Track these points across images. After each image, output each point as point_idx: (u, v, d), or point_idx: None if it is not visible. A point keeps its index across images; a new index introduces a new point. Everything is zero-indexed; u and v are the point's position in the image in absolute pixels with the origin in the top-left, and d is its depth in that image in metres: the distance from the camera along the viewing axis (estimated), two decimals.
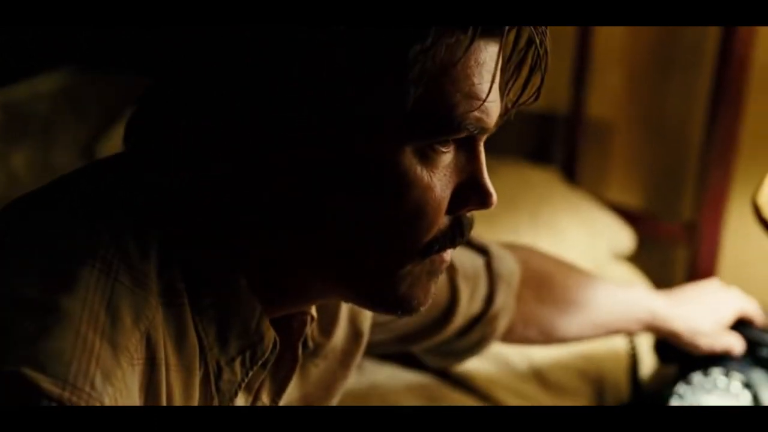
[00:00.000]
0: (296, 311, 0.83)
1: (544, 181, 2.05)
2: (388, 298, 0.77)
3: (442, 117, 0.70)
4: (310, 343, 0.90)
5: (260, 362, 0.78)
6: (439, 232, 0.75)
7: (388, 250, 0.74)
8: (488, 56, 0.72)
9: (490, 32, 0.72)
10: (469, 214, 0.78)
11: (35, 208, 0.75)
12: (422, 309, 0.79)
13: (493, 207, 0.78)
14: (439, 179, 0.73)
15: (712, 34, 1.91)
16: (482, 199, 0.77)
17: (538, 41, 0.76)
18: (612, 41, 2.07)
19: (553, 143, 2.24)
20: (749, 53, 1.82)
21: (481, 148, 0.77)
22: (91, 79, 2.35)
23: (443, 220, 0.75)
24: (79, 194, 0.76)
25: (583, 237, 1.92)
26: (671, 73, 2.04)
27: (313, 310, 0.86)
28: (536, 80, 0.78)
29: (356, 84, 0.68)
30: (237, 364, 0.77)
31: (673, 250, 2.14)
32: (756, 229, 1.29)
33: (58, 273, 0.68)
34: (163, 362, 0.71)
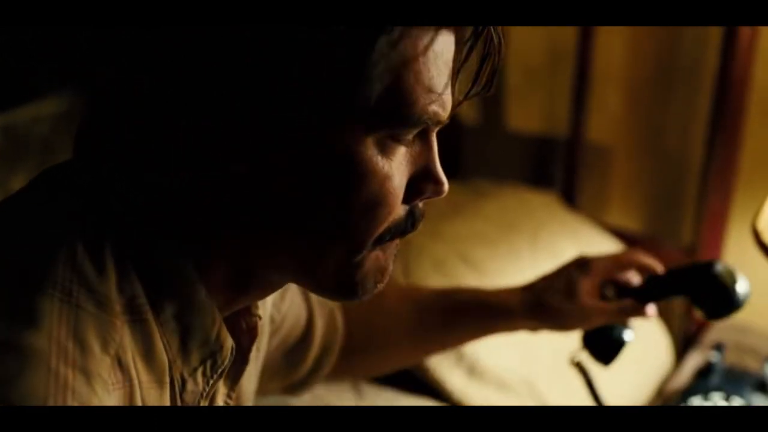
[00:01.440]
0: (247, 305, 0.84)
1: (544, 205, 2.06)
2: (344, 284, 0.78)
3: (404, 110, 0.71)
4: (261, 344, 0.92)
5: (220, 370, 0.79)
6: (393, 221, 0.76)
7: (346, 239, 0.75)
8: (444, 46, 0.73)
9: (451, 27, 0.72)
10: (421, 205, 0.79)
11: None
12: (379, 288, 0.80)
13: (444, 195, 0.79)
14: (396, 169, 0.74)
15: (710, 57, 1.92)
16: (436, 188, 0.78)
17: (493, 33, 0.74)
18: (611, 65, 2.08)
19: (553, 167, 2.25)
20: (748, 77, 1.83)
21: (434, 138, 0.77)
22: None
23: (399, 210, 0.76)
24: (30, 207, 0.75)
25: None
26: (670, 97, 2.05)
27: (260, 309, 0.87)
28: (487, 69, 0.76)
29: (322, 78, 0.68)
30: (199, 374, 0.77)
31: None
32: (756, 253, 1.29)
33: (20, 309, 0.67)
34: (136, 382, 0.71)
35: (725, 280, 1.13)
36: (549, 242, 1.90)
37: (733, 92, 1.83)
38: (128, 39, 0.71)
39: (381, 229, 0.75)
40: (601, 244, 2.01)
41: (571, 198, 2.16)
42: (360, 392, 1.57)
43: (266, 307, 0.97)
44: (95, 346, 0.68)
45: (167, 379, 0.75)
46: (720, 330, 1.99)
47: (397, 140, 0.74)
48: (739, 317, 2.02)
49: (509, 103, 2.23)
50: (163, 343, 0.74)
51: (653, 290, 1.16)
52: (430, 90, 0.72)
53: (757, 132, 1.91)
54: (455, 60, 0.75)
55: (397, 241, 0.80)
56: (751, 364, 1.83)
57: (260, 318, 0.87)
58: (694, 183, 2.00)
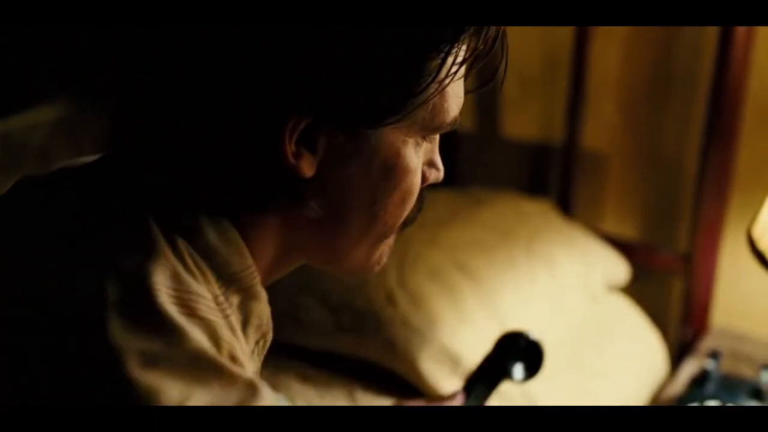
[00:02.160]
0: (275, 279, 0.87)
1: (540, 212, 2.06)
2: (364, 265, 0.85)
3: (440, 120, 0.79)
4: None
5: (265, 350, 0.82)
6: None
7: (382, 227, 0.81)
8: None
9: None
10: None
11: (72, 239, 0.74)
12: (378, 269, 0.87)
13: (440, 180, 0.86)
14: (420, 164, 0.81)
15: (705, 64, 1.93)
16: (437, 174, 0.85)
17: (493, 30, 0.79)
18: (606, 73, 2.08)
19: (549, 174, 2.25)
20: (743, 84, 1.84)
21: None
22: (86, 108, 2.36)
23: None
24: (105, 220, 0.75)
25: (578, 268, 1.93)
26: (666, 105, 2.05)
27: None
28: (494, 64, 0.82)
29: (383, 88, 0.73)
30: (255, 356, 0.80)
31: (669, 281, 2.14)
32: (750, 260, 1.30)
33: (154, 325, 0.68)
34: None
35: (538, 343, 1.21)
36: (545, 250, 1.90)
37: (728, 100, 1.83)
38: (162, 40, 0.73)
39: (404, 217, 0.83)
40: (597, 252, 2.01)
41: (566, 205, 2.16)
42: (354, 399, 1.58)
43: None
44: (212, 351, 0.70)
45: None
46: (715, 338, 1.99)
47: (426, 140, 0.81)
48: (734, 325, 2.03)
49: (505, 111, 2.23)
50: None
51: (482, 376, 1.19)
52: (457, 96, 0.79)
53: (752, 139, 1.92)
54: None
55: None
56: (746, 371, 1.83)
57: None
58: (690, 190, 2.01)
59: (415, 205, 0.83)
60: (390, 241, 0.87)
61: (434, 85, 0.75)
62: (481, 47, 0.77)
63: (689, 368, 1.88)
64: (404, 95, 0.74)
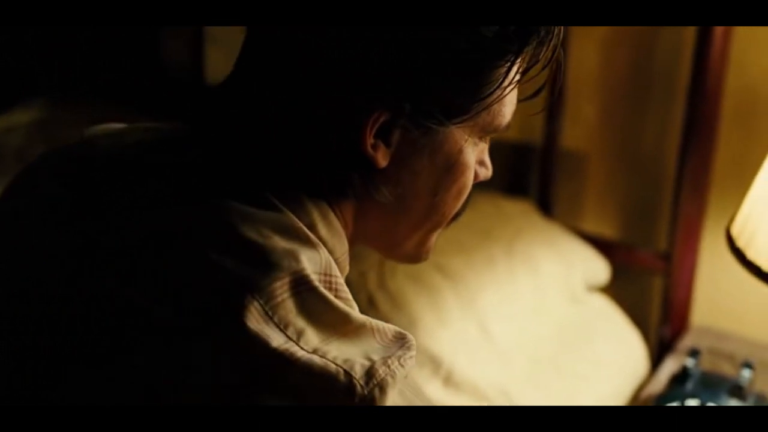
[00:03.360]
0: None
1: (520, 212, 2.06)
2: (416, 254, 0.92)
3: (499, 120, 0.85)
4: None
5: None
6: None
7: (438, 218, 0.88)
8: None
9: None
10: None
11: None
12: (425, 259, 0.94)
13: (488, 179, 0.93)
14: (474, 162, 0.87)
15: (684, 65, 1.93)
16: (486, 173, 0.92)
17: (550, 43, 0.84)
18: (585, 73, 2.09)
19: (529, 174, 2.25)
20: (721, 85, 1.84)
21: None
22: (62, 108, 2.35)
23: None
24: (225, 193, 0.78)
25: (558, 268, 1.93)
26: (645, 105, 2.06)
27: None
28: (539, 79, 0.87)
29: (464, 87, 0.80)
30: None
31: (649, 279, 2.15)
32: (729, 258, 1.30)
33: (315, 313, 0.72)
34: None
35: None
36: (525, 250, 1.90)
37: (706, 99, 1.84)
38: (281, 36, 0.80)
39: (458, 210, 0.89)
40: (577, 252, 2.01)
41: (546, 206, 2.16)
42: None
43: None
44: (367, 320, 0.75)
45: None
46: (696, 336, 1.99)
47: (482, 140, 0.87)
48: (714, 323, 2.04)
49: None
50: None
51: None
52: (512, 102, 0.86)
53: (730, 139, 1.92)
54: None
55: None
56: (727, 369, 1.84)
57: None
58: (669, 190, 2.01)
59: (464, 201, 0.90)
60: (436, 234, 0.92)
61: (498, 91, 0.81)
62: (541, 56, 0.83)
63: (669, 367, 1.88)
64: (472, 98, 0.80)
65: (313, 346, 0.69)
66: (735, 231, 1.29)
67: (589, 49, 2.06)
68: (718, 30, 1.79)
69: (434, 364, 1.59)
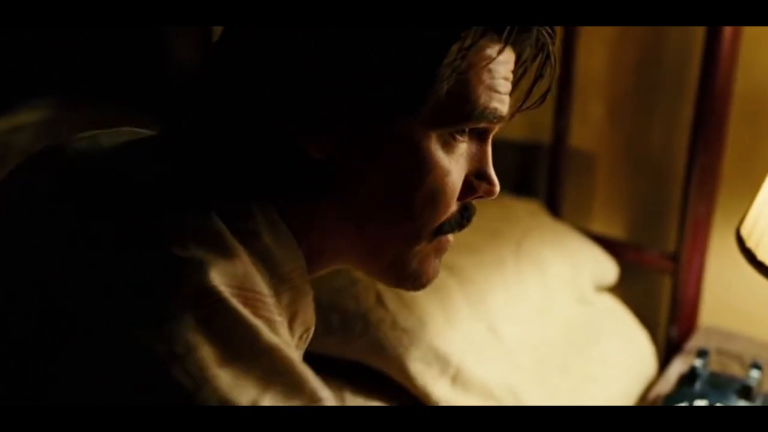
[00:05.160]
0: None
1: (528, 212, 2.06)
2: (400, 272, 0.84)
3: (466, 107, 0.78)
4: None
5: (308, 341, 0.84)
6: (450, 215, 0.82)
7: (408, 227, 0.81)
8: (507, 56, 0.80)
9: (519, 36, 0.79)
10: (474, 202, 0.85)
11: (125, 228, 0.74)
12: (428, 285, 0.86)
13: (495, 197, 0.86)
14: (455, 166, 0.80)
15: (693, 64, 1.93)
16: (489, 188, 0.85)
17: (550, 47, 0.81)
18: (594, 72, 2.09)
19: (537, 174, 2.25)
20: (730, 85, 1.84)
21: (490, 141, 0.84)
22: (68, 108, 2.35)
23: (454, 205, 0.82)
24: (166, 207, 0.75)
25: (566, 268, 1.92)
26: (653, 104, 2.06)
27: None
28: (543, 84, 0.83)
29: (396, 75, 0.75)
30: (298, 349, 0.82)
31: (657, 280, 2.14)
32: (738, 258, 1.30)
33: (222, 330, 0.68)
34: None
35: None
36: (533, 250, 1.90)
37: (715, 99, 1.83)
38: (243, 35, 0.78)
39: (438, 221, 0.81)
40: (585, 252, 2.01)
41: (554, 206, 2.16)
42: (344, 400, 1.57)
43: None
44: (285, 349, 0.71)
45: None
46: (704, 336, 1.99)
47: (458, 138, 0.80)
48: (723, 323, 2.03)
49: None
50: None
51: None
52: (490, 88, 0.79)
53: (739, 138, 1.92)
54: (514, 74, 0.82)
55: (450, 242, 0.86)
56: (735, 370, 1.83)
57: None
58: (678, 190, 2.01)
59: (456, 213, 0.83)
60: (434, 263, 0.86)
61: (443, 75, 0.75)
62: (525, 55, 0.81)
63: (678, 367, 1.88)
64: (414, 90, 0.75)
65: (199, 366, 0.65)
66: (745, 231, 1.29)
67: (597, 48, 2.06)
68: (727, 30, 1.78)
69: (442, 363, 1.59)
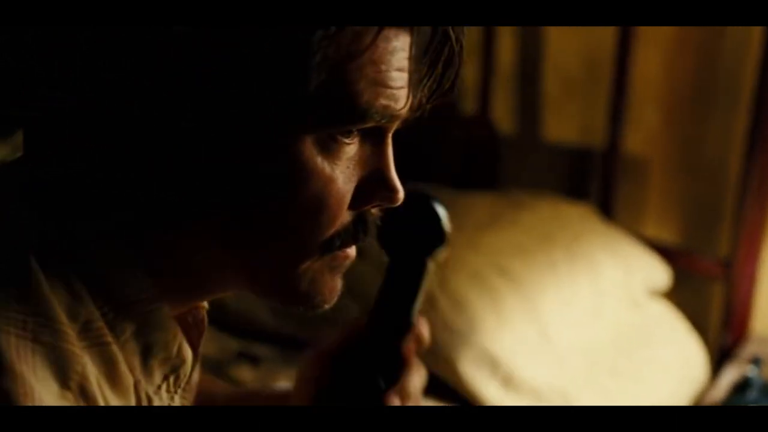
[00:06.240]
0: (194, 305, 0.80)
1: (581, 216, 2.06)
2: (289, 292, 0.74)
3: (344, 105, 0.66)
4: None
5: (183, 384, 0.75)
6: (341, 227, 0.72)
7: (287, 243, 0.71)
8: (400, 45, 0.68)
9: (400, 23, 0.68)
10: (374, 211, 0.75)
11: None
12: (326, 306, 0.75)
13: (399, 204, 0.74)
14: (341, 172, 0.70)
15: (749, 69, 1.92)
16: (388, 195, 0.73)
17: (453, 37, 0.70)
18: (649, 76, 2.08)
19: (590, 179, 2.25)
20: None
21: (389, 141, 0.73)
22: None
23: (346, 216, 0.72)
24: None
25: (619, 273, 1.92)
26: (708, 110, 2.05)
27: (205, 302, 0.82)
28: (450, 75, 0.72)
29: (257, 74, 0.64)
30: (163, 390, 0.74)
31: (710, 286, 2.13)
32: None
33: None
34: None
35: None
36: (586, 254, 1.90)
37: None
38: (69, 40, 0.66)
39: (325, 234, 0.71)
40: (638, 257, 2.01)
41: (607, 209, 2.16)
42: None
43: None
44: (54, 383, 0.64)
45: (133, 401, 0.72)
46: (757, 344, 1.98)
47: (342, 140, 0.69)
48: None
49: (546, 114, 2.23)
50: (126, 364, 0.70)
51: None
52: (377, 83, 0.67)
53: None
54: (421, 62, 0.71)
55: (349, 257, 0.75)
56: None
57: (206, 309, 0.82)
58: (731, 195, 2.00)
59: (350, 225, 0.73)
60: (329, 280, 0.75)
61: (307, 69, 0.64)
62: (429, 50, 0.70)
63: (730, 375, 1.87)
64: (267, 84, 0.64)
65: None
66: None
67: (653, 52, 2.05)
68: None
69: (493, 365, 1.60)
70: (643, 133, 2.13)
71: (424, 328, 0.87)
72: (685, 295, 2.13)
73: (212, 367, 1.05)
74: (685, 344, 1.97)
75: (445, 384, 1.61)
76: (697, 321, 2.07)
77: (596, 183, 2.21)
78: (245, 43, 0.63)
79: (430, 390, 1.60)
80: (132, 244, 0.70)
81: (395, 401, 0.84)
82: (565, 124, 2.21)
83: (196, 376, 0.89)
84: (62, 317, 0.65)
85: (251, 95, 0.64)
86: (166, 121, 0.65)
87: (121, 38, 0.64)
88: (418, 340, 0.87)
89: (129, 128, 0.65)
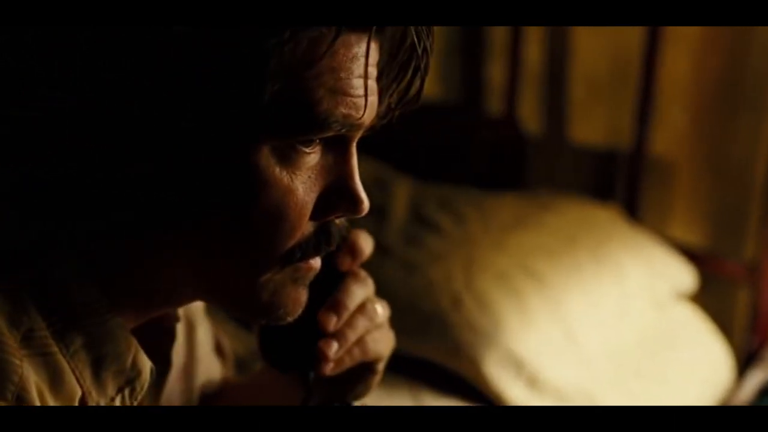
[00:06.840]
0: (161, 314, 0.78)
1: (606, 218, 2.05)
2: (251, 305, 0.73)
3: (302, 113, 0.65)
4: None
5: (140, 397, 0.73)
6: (302, 238, 0.70)
7: (246, 254, 0.69)
8: (362, 51, 0.67)
9: (359, 28, 0.66)
10: (339, 221, 0.74)
11: None
12: (290, 318, 0.74)
13: (363, 214, 0.72)
14: (302, 182, 0.68)
15: None
16: (352, 205, 0.71)
17: (417, 42, 0.69)
18: (676, 79, 2.07)
19: (616, 180, 2.25)
20: None
21: (353, 150, 0.71)
22: None
23: (307, 226, 0.70)
24: None
25: (644, 275, 1.92)
26: (735, 112, 2.04)
27: (179, 312, 0.81)
28: (418, 82, 0.72)
29: (210, 82, 0.63)
30: (117, 402, 0.72)
31: (736, 289, 2.12)
32: None
33: None
34: None
35: None
36: (611, 255, 1.90)
37: None
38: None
39: (285, 246, 0.70)
40: (664, 259, 2.00)
41: (633, 211, 2.15)
42: (419, 400, 1.59)
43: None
44: None
45: None
46: None
47: (302, 149, 0.67)
48: None
49: (573, 116, 2.23)
50: (75, 375, 0.68)
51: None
52: (336, 91, 0.66)
53: None
54: (388, 69, 0.71)
55: (312, 268, 0.74)
56: None
57: (179, 320, 0.81)
58: (759, 198, 1.99)
59: (311, 236, 0.71)
60: (291, 291, 0.73)
61: (259, 77, 0.63)
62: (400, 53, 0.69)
63: (755, 378, 1.86)
64: (218, 92, 0.63)
65: None
66: None
67: (680, 54, 2.05)
68: None
69: (518, 365, 1.60)
70: (670, 135, 2.13)
71: (359, 239, 0.83)
72: (710, 298, 2.12)
73: (239, 366, 1.06)
74: (710, 347, 1.96)
75: (469, 384, 1.61)
76: (723, 324, 2.06)
77: (622, 184, 2.21)
78: (198, 48, 0.62)
79: (454, 389, 1.62)
80: (84, 254, 0.69)
81: (331, 316, 0.80)
82: (592, 125, 2.21)
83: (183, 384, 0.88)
84: (1, 327, 0.64)
85: (206, 102, 0.63)
86: (127, 126, 0.63)
87: (121, 38, 0.63)
88: (353, 250, 0.83)
89: (81, 128, 0.64)
